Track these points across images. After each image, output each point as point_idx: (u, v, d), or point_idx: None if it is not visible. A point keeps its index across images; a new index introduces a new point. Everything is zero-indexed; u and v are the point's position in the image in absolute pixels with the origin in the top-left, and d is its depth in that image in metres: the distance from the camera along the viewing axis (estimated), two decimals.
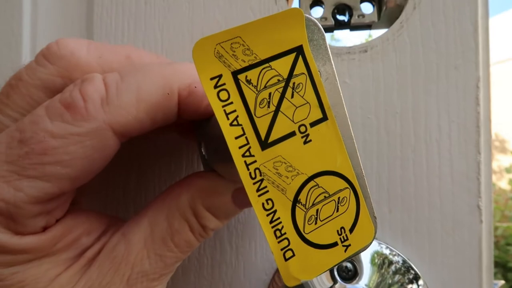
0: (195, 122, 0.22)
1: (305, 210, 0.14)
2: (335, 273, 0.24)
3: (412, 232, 0.24)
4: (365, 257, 0.25)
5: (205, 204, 0.20)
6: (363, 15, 0.28)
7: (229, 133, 0.13)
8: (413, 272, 0.24)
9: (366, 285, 0.24)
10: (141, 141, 0.26)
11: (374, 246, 0.25)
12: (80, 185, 0.18)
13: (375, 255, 0.25)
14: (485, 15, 0.24)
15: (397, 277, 0.24)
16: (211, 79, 0.13)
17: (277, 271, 0.25)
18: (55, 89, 0.19)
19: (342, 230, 0.15)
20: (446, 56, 0.24)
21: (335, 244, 0.15)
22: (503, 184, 2.28)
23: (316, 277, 0.25)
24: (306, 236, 0.14)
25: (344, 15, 0.28)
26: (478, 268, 0.24)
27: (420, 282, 0.24)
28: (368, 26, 0.29)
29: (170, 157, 0.27)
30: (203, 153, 0.22)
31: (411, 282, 0.24)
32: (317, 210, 0.14)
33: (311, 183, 0.14)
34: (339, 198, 0.15)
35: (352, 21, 0.28)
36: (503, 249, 1.84)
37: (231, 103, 0.13)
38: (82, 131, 0.17)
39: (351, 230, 0.15)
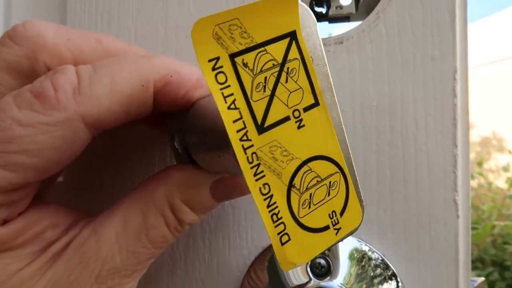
0: (168, 114, 0.21)
1: (299, 194, 0.14)
2: (308, 269, 0.24)
3: (388, 227, 0.24)
4: (343, 253, 0.24)
5: (183, 197, 0.19)
6: (341, 7, 0.27)
7: (227, 117, 0.13)
8: (388, 269, 0.24)
9: (341, 283, 0.24)
10: (114, 134, 0.26)
11: (353, 242, 0.24)
12: (46, 177, 0.18)
13: (354, 252, 0.24)
14: (463, 5, 0.24)
15: (372, 275, 0.24)
16: (209, 60, 0.13)
17: (250, 268, 0.25)
18: (22, 71, 0.19)
19: (333, 213, 0.15)
20: (422, 47, 0.24)
21: (327, 228, 0.15)
22: (500, 182, 2.27)
23: (293, 272, 0.24)
24: (301, 220, 0.14)
25: (322, 6, 0.28)
26: (455, 264, 0.23)
27: (396, 279, 0.24)
28: (346, 18, 0.28)
29: (143, 151, 0.26)
30: (176, 146, 0.21)
31: (386, 279, 0.24)
32: (311, 195, 0.15)
33: (305, 168, 0.14)
34: (330, 182, 0.15)
35: (330, 12, 0.27)
36: (500, 248, 1.84)
37: (229, 86, 0.13)
38: (52, 120, 0.16)
39: (341, 214, 0.15)
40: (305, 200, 0.14)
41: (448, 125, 0.23)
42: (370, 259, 0.24)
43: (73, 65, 0.18)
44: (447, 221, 0.23)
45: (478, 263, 1.84)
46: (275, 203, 0.14)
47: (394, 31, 0.24)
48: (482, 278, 0.35)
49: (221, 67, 0.13)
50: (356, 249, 0.24)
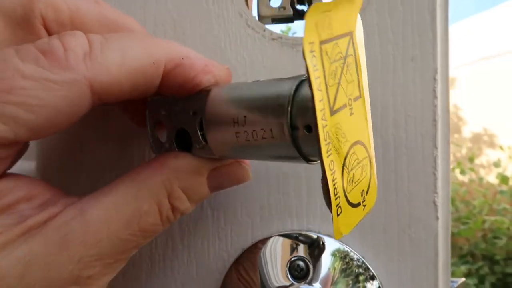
0: (154, 102, 0.21)
1: (348, 172, 0.16)
2: (287, 271, 0.24)
3: (368, 229, 0.24)
4: (324, 255, 0.24)
5: (182, 184, 0.19)
6: None
7: (317, 96, 0.14)
8: (368, 271, 0.23)
9: (320, 286, 0.23)
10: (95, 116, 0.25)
11: (334, 244, 0.24)
12: (34, 139, 0.17)
13: (335, 253, 0.24)
14: (443, 5, 0.23)
15: (353, 277, 0.24)
16: (309, 43, 0.14)
17: (229, 270, 0.24)
18: (15, 18, 0.18)
19: (363, 192, 0.17)
20: (402, 47, 0.23)
21: (359, 204, 0.17)
22: (491, 178, 2.29)
23: (274, 274, 0.24)
24: (348, 195, 0.16)
25: (304, 4, 0.27)
26: (434, 265, 0.23)
27: (376, 281, 0.23)
28: None
29: (123, 137, 0.26)
30: (156, 136, 0.21)
31: (366, 281, 0.23)
32: (353, 174, 0.16)
33: (352, 150, 0.16)
34: (363, 165, 0.17)
35: None
36: (490, 242, 1.86)
37: (317, 69, 0.14)
38: (58, 79, 0.16)
39: (366, 193, 0.17)
40: (350, 178, 0.16)
41: (428, 127, 0.23)
42: (350, 260, 0.24)
43: (68, 20, 0.18)
44: (426, 223, 0.23)
45: (468, 258, 1.86)
46: (336, 178, 0.15)
47: (374, 30, 0.24)
48: (463, 279, 0.35)
49: (314, 51, 0.14)
50: (337, 251, 0.24)
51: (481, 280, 1.75)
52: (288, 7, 0.27)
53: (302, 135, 0.16)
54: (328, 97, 0.15)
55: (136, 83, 0.17)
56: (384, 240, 0.23)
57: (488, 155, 2.51)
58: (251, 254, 0.24)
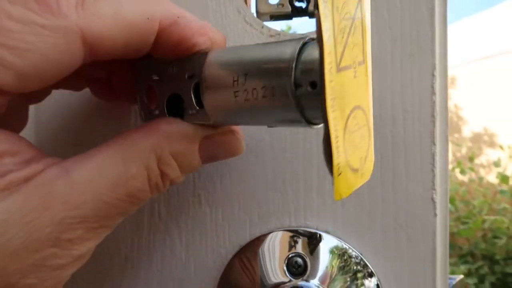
0: (146, 65, 0.20)
1: (349, 135, 0.16)
2: (285, 268, 0.23)
3: (366, 226, 0.24)
4: (322, 252, 0.24)
5: (173, 150, 0.18)
6: None
7: (326, 48, 0.14)
8: (367, 267, 0.23)
9: (318, 282, 0.23)
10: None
11: (332, 241, 0.24)
12: (22, 91, 0.16)
13: (333, 250, 0.24)
14: (442, 1, 0.23)
15: (351, 274, 0.24)
16: None
17: (227, 267, 0.24)
18: None
19: (362, 159, 0.17)
20: (401, 43, 0.23)
21: (357, 170, 0.16)
22: (491, 177, 2.29)
23: (272, 270, 0.24)
24: (348, 157, 0.16)
25: (302, 1, 0.27)
26: (432, 262, 0.23)
27: (374, 278, 0.23)
28: None
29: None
30: (146, 102, 0.20)
31: (364, 278, 0.23)
32: (354, 138, 0.16)
33: (353, 113, 0.16)
34: (363, 132, 0.17)
35: (310, 7, 0.27)
36: (490, 242, 1.85)
37: (329, 20, 0.14)
38: (48, 24, 0.15)
39: (364, 161, 0.17)
40: (351, 141, 0.16)
41: (427, 123, 0.23)
42: (348, 258, 0.24)
43: None
44: (424, 220, 0.23)
45: (468, 257, 1.86)
46: (338, 137, 0.15)
47: (372, 27, 0.23)
48: (461, 276, 0.35)
49: (326, 1, 0.14)
50: (335, 248, 0.24)
51: (481, 279, 1.75)
52: (287, 4, 0.27)
53: (306, 93, 0.15)
54: (335, 52, 0.14)
55: (130, 37, 0.17)
56: (382, 237, 0.23)
57: (488, 155, 2.51)
58: (249, 251, 0.24)
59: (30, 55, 0.15)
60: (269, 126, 0.21)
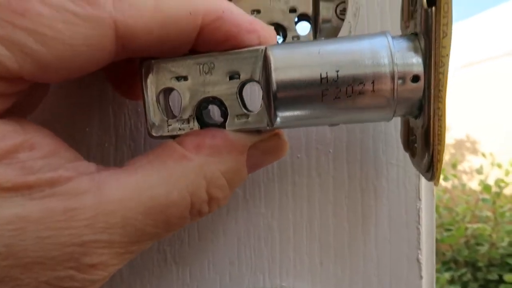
0: (162, 63, 0.17)
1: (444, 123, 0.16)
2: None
3: (346, 286, 0.22)
4: None
5: (224, 168, 0.16)
6: (298, 37, 0.25)
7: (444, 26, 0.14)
8: None
9: None
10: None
11: None
12: (41, 80, 0.14)
13: None
14: None
15: None
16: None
17: None
18: None
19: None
20: None
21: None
22: (473, 184, 2.31)
23: None
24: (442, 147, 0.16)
25: (278, 35, 0.25)
26: None
27: None
28: None
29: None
30: (166, 107, 0.18)
31: None
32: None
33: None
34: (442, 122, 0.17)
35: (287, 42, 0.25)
36: (473, 249, 1.87)
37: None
38: (81, 12, 0.13)
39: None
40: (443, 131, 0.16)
41: (412, 176, 0.21)
42: None
43: None
44: (409, 282, 0.21)
45: (451, 264, 1.87)
46: (441, 127, 0.15)
47: None
48: None
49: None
50: None
51: (464, 286, 1.76)
52: None
53: (407, 87, 0.15)
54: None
55: (168, 34, 0.15)
56: None
57: (470, 162, 2.54)
58: None
59: (56, 44, 0.14)
60: (330, 125, 0.19)
